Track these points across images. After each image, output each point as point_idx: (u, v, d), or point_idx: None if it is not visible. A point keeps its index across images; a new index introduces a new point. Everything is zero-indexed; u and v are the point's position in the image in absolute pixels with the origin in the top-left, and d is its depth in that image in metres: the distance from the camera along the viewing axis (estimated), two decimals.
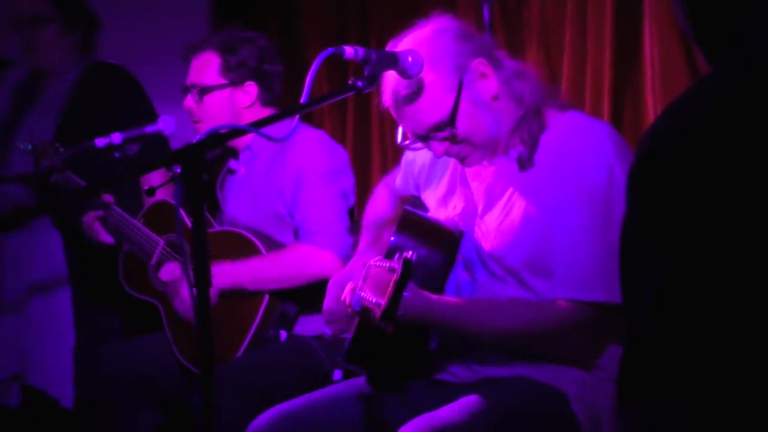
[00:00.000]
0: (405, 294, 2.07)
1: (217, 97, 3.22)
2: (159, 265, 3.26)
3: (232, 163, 3.31)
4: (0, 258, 3.63)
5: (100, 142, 3.10)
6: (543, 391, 2.26)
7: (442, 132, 2.29)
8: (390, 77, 2.29)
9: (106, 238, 3.32)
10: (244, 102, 3.23)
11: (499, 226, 2.31)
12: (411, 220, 2.39)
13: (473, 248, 2.35)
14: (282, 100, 3.33)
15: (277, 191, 3.16)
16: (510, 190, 2.33)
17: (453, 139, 2.31)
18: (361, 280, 2.20)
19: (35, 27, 3.63)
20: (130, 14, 4.55)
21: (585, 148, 2.25)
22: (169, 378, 3.18)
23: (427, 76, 2.26)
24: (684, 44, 3.34)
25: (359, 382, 2.47)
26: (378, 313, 2.07)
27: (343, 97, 2.26)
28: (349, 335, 2.30)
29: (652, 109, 3.44)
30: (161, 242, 3.25)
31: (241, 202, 3.26)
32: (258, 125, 2.11)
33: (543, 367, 2.28)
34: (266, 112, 3.24)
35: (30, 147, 3.39)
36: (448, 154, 2.34)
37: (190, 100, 3.23)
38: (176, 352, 3.16)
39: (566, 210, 2.23)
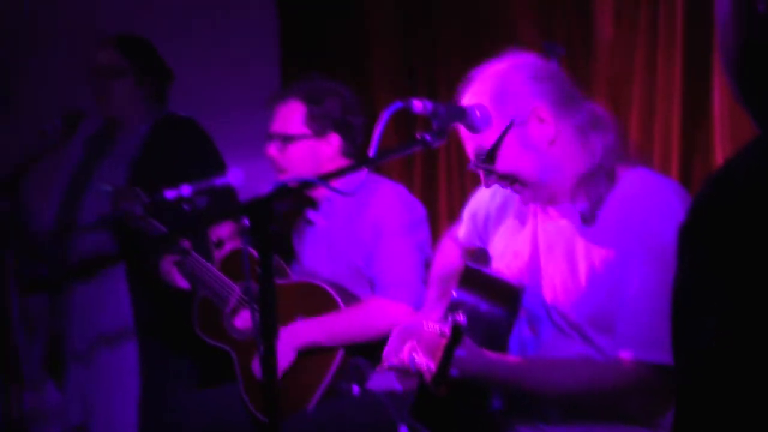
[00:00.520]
0: (460, 353, 2.06)
1: (300, 146, 3.23)
2: (234, 312, 3.27)
3: (311, 214, 3.32)
4: (68, 308, 3.66)
5: (170, 194, 3.13)
6: None
7: (484, 164, 2.30)
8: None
9: (183, 283, 3.35)
10: (326, 153, 3.24)
11: (565, 281, 2.30)
12: (472, 275, 2.38)
13: (539, 303, 2.34)
14: None
15: (356, 243, 3.16)
16: (574, 243, 2.32)
17: (496, 174, 2.31)
18: (416, 341, 2.21)
19: (109, 79, 3.69)
20: (204, 64, 4.63)
21: (653, 206, 2.24)
22: (238, 429, 3.16)
23: (489, 107, 2.28)
24: None
25: None
26: (429, 377, 2.07)
27: (411, 151, 2.27)
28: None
29: None
30: (237, 289, 3.27)
31: (318, 253, 3.27)
32: (326, 178, 2.13)
33: (609, 426, 2.26)
34: (348, 163, 3.24)
35: (110, 188, 3.41)
36: (498, 183, 2.35)
37: (273, 149, 3.25)
38: (247, 400, 3.15)
39: (632, 268, 2.22)
